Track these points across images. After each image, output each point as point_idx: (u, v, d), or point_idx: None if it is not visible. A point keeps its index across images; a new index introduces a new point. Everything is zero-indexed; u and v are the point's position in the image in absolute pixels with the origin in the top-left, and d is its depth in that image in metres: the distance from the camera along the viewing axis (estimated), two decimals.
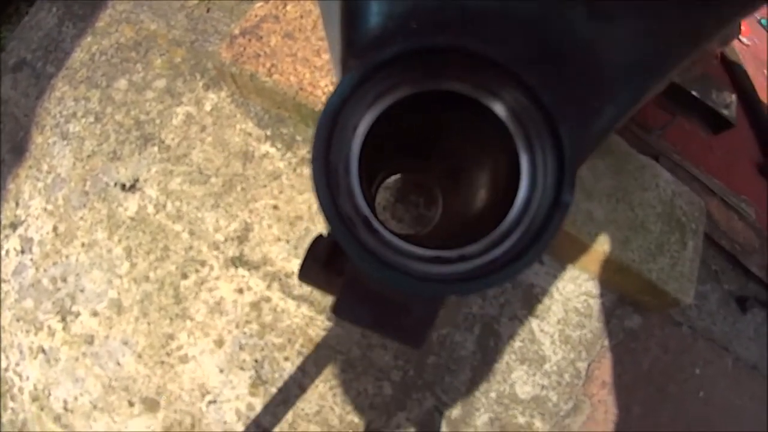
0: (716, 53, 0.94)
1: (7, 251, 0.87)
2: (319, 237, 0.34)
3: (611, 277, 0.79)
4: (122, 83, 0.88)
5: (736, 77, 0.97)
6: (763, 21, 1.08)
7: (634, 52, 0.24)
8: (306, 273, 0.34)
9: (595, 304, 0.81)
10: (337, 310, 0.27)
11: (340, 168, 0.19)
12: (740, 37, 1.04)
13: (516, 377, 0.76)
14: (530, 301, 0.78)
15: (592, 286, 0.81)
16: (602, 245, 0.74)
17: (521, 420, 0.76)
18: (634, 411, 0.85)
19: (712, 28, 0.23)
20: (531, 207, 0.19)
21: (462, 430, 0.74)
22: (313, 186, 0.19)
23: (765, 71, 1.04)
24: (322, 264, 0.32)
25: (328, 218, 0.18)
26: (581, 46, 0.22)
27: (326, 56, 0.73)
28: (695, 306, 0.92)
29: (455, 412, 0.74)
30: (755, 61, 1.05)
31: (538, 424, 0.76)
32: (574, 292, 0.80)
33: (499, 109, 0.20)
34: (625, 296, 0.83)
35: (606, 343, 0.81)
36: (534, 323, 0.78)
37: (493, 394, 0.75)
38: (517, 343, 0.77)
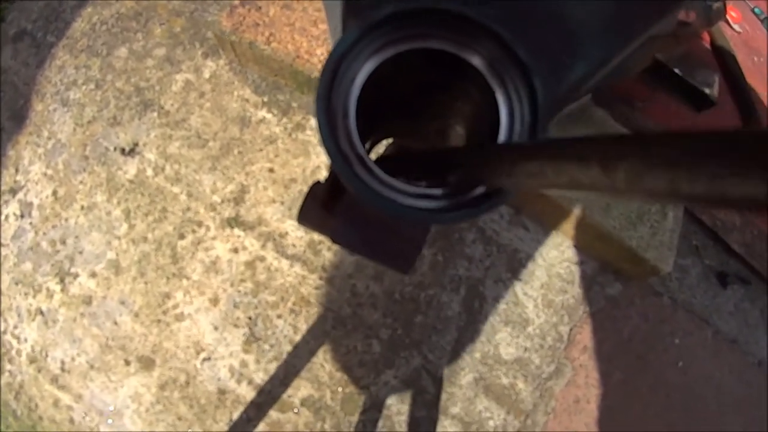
0: (700, 33, 0.97)
1: (7, 216, 0.89)
2: (317, 182, 0.37)
3: (593, 243, 0.82)
4: (122, 51, 0.90)
5: (724, 60, 1.00)
6: (757, 10, 1.11)
7: (603, 13, 0.28)
8: (305, 214, 0.36)
9: (577, 270, 0.84)
10: (334, 237, 0.30)
11: (339, 112, 0.22)
12: (732, 24, 1.07)
13: (500, 338, 0.79)
14: (515, 265, 0.81)
15: (575, 253, 0.85)
16: (584, 212, 0.77)
17: (505, 381, 0.79)
18: (614, 377, 0.88)
19: None
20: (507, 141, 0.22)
21: (448, 389, 0.77)
22: (316, 123, 0.22)
23: (755, 58, 1.07)
24: (320, 204, 0.35)
25: (329, 152, 0.21)
26: (554, 7, 0.26)
27: (323, 26, 0.76)
28: (676, 279, 0.95)
29: (441, 371, 0.77)
30: (745, 48, 1.09)
31: (521, 385, 0.79)
32: (557, 258, 0.83)
33: (478, 62, 0.23)
34: (606, 264, 0.86)
35: (588, 309, 0.84)
36: (518, 287, 0.81)
37: (477, 355, 0.78)
38: (501, 306, 0.80)
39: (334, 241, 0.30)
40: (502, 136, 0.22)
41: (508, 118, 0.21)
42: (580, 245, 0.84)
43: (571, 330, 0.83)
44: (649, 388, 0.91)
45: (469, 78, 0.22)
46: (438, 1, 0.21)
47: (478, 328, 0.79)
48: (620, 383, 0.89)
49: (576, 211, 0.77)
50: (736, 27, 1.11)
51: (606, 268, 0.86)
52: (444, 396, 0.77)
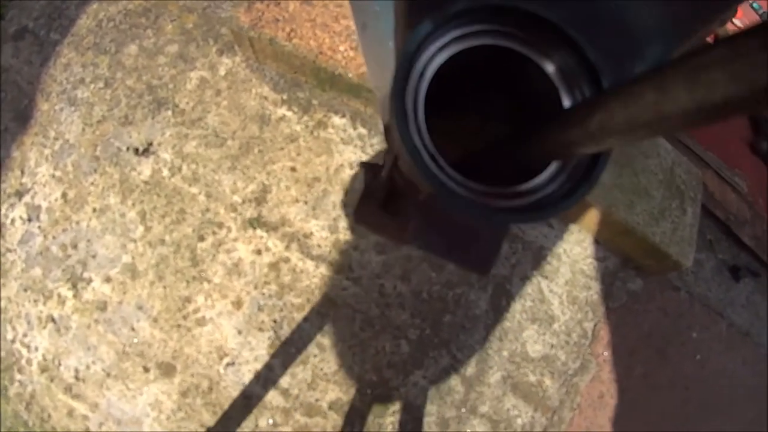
0: (711, 34, 0.99)
1: (13, 220, 0.85)
2: (372, 182, 0.36)
3: (616, 239, 0.82)
4: (132, 49, 0.87)
5: None
6: (755, 5, 1.13)
7: (664, 13, 0.27)
8: (362, 213, 0.35)
9: (600, 266, 0.84)
10: (412, 239, 0.29)
11: (411, 109, 0.21)
12: (734, 19, 1.09)
13: (527, 336, 0.79)
14: (540, 262, 0.81)
15: (597, 249, 0.85)
16: (609, 208, 0.77)
17: (532, 378, 0.78)
18: (636, 371, 0.88)
19: None
20: None
21: (476, 388, 0.76)
22: (393, 120, 0.21)
23: None
24: (378, 204, 0.34)
25: (409, 149, 0.20)
26: (617, 11, 0.25)
27: (344, 22, 0.74)
28: (692, 273, 0.96)
29: (470, 370, 0.76)
30: None
31: (548, 382, 0.79)
32: (580, 255, 0.83)
33: (548, 64, 0.22)
34: (628, 259, 0.86)
35: (610, 304, 0.85)
36: (543, 284, 0.80)
37: (505, 353, 0.78)
38: (527, 303, 0.79)
39: (412, 243, 0.29)
40: None
41: None
42: (603, 241, 0.84)
43: (595, 326, 0.83)
44: (668, 382, 0.92)
45: (533, 79, 0.22)
46: None
47: (506, 326, 0.78)
48: (641, 377, 0.89)
49: (600, 208, 0.77)
50: (737, 22, 1.13)
51: (627, 263, 0.87)
52: (473, 395, 0.76)
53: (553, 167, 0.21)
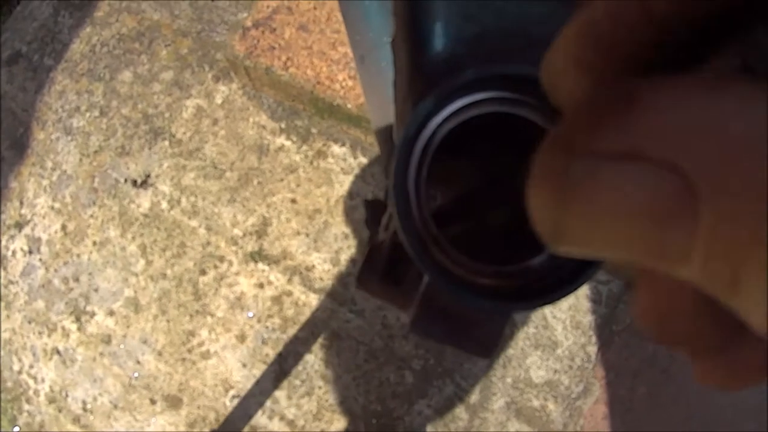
0: None
1: (14, 252, 0.85)
2: (374, 246, 0.35)
3: (619, 264, 0.81)
4: (127, 75, 0.86)
5: None
6: None
7: None
8: (363, 283, 0.34)
9: (604, 290, 0.84)
10: (414, 328, 0.28)
11: (411, 192, 0.20)
12: None
13: (530, 362, 0.79)
14: None
15: (600, 273, 0.84)
16: None
17: (536, 403, 0.79)
18: (639, 391, 0.89)
19: None
20: None
21: (480, 415, 0.77)
22: (394, 212, 0.19)
23: None
24: (380, 275, 0.33)
25: (410, 243, 0.19)
26: None
27: (342, 49, 0.73)
28: None
29: (473, 397, 0.77)
30: None
31: (551, 406, 0.80)
32: None
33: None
34: (631, 283, 0.86)
35: (614, 327, 0.85)
36: (547, 310, 0.80)
37: (509, 379, 0.78)
38: (531, 330, 0.79)
39: (414, 333, 0.29)
40: None
41: None
42: (605, 265, 0.84)
43: (598, 349, 0.83)
44: (671, 400, 0.93)
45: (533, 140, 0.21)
46: (522, 66, 0.19)
47: (509, 353, 0.78)
48: (645, 397, 0.90)
49: None
50: None
51: (631, 286, 0.86)
52: (477, 422, 0.77)
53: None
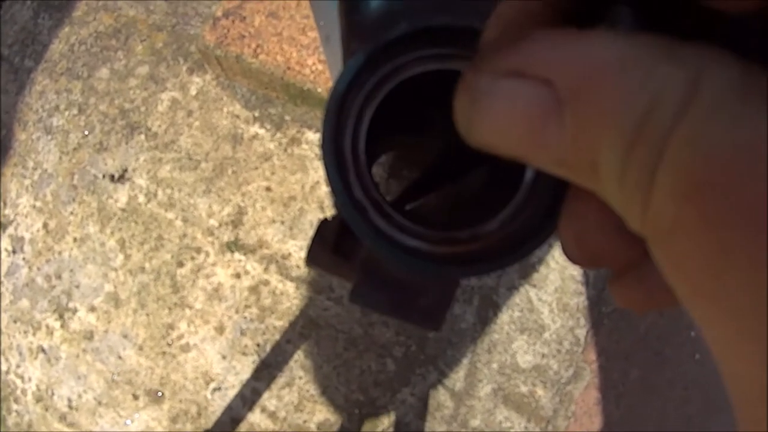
0: None
1: None
2: (324, 221, 0.34)
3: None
4: (104, 72, 0.86)
5: None
6: None
7: None
8: (313, 258, 0.33)
9: (591, 271, 0.82)
10: (354, 298, 0.27)
11: (348, 153, 0.19)
12: None
13: (517, 347, 0.77)
14: (527, 270, 0.79)
15: None
16: None
17: (524, 389, 0.77)
18: (632, 374, 0.86)
19: None
20: (540, 183, 0.19)
21: (467, 403, 0.75)
22: (325, 173, 0.18)
23: None
24: (330, 248, 0.32)
25: (342, 205, 0.18)
26: None
27: (312, 34, 0.72)
28: None
29: (459, 384, 0.75)
30: None
31: (540, 392, 0.78)
32: None
33: None
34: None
35: (603, 309, 0.82)
36: (532, 292, 0.78)
37: (495, 365, 0.76)
38: (516, 313, 0.77)
39: (354, 303, 0.27)
40: (530, 171, 0.19)
41: (532, 173, 0.19)
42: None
43: (587, 332, 0.81)
44: (667, 383, 0.90)
45: None
46: (458, 18, 0.18)
47: (494, 338, 0.76)
48: (638, 380, 0.87)
49: None
50: None
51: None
52: (463, 410, 0.75)
53: (516, 203, 0.19)
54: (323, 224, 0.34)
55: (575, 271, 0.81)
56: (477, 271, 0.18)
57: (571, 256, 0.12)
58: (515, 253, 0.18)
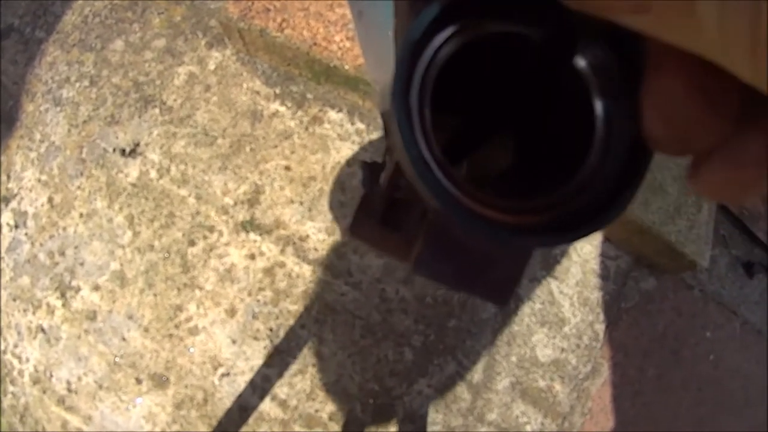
0: None
1: (0, 227, 0.82)
2: (368, 194, 0.32)
3: (630, 238, 0.78)
4: (118, 44, 0.84)
5: None
6: None
7: None
8: (358, 228, 0.31)
9: (612, 265, 0.80)
10: (417, 268, 0.24)
11: (414, 109, 0.17)
12: None
13: (536, 340, 0.75)
14: (549, 262, 0.77)
15: (609, 248, 0.81)
16: None
17: (542, 383, 0.75)
18: (649, 373, 0.85)
19: None
20: (610, 152, 0.17)
21: (484, 396, 0.73)
22: (395, 126, 0.16)
23: None
24: (378, 218, 0.30)
25: (414, 162, 0.16)
26: None
27: (340, 11, 0.70)
28: (706, 270, 0.92)
29: (477, 376, 0.73)
30: None
31: (557, 387, 0.76)
32: (591, 254, 0.79)
33: (579, 60, 0.18)
34: (641, 258, 0.82)
35: (623, 305, 0.81)
36: (553, 285, 0.77)
37: (514, 358, 0.74)
38: (537, 306, 0.76)
39: (418, 273, 0.25)
40: (599, 137, 0.17)
41: (604, 130, 0.17)
42: (615, 240, 0.80)
43: (606, 327, 0.80)
44: (682, 383, 0.89)
45: (558, 75, 0.18)
46: None
47: (514, 330, 0.74)
48: (654, 379, 0.86)
49: None
50: None
51: (640, 262, 0.83)
52: (480, 402, 0.73)
53: (585, 172, 0.17)
54: (367, 197, 0.32)
55: (596, 265, 0.80)
56: (560, 240, 0.17)
57: (658, 139, 0.10)
58: (602, 218, 0.16)
